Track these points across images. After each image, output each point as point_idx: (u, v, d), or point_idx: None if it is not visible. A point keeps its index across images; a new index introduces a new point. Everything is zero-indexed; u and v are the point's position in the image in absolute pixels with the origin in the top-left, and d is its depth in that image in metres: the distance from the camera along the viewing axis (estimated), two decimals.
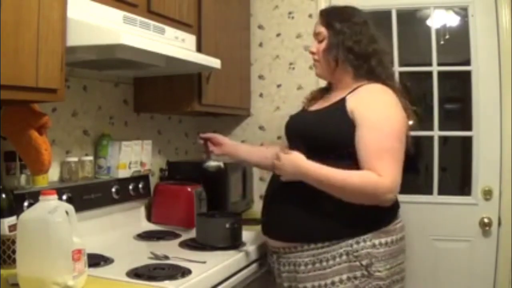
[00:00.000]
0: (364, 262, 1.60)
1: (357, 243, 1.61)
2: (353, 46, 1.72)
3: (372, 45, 1.74)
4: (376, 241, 1.62)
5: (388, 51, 1.81)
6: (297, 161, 1.64)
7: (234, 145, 2.13)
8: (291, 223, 1.69)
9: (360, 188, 1.58)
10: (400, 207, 1.75)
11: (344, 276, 1.61)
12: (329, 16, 1.80)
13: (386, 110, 1.66)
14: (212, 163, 2.05)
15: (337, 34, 1.74)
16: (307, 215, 1.64)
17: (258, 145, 2.35)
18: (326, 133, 1.67)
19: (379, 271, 1.61)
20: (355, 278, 1.60)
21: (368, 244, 1.61)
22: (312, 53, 1.83)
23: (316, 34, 1.81)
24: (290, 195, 1.70)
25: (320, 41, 1.79)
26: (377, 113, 1.64)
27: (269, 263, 1.87)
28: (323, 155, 1.64)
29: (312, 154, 1.66)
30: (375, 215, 1.62)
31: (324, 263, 1.64)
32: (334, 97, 1.76)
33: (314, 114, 1.80)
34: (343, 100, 1.70)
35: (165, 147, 2.64)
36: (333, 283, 1.62)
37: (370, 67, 1.73)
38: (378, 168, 1.57)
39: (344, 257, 1.61)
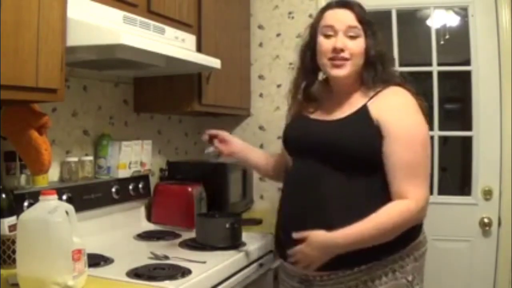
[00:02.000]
0: (409, 278, 1.51)
1: (401, 258, 1.50)
2: (376, 49, 1.58)
3: (383, 49, 1.61)
4: (416, 254, 1.54)
5: (391, 55, 1.69)
6: (321, 239, 1.47)
7: (244, 148, 1.92)
8: None
9: (393, 226, 1.46)
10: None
11: None
12: (361, 12, 1.58)
13: (413, 117, 1.54)
14: (211, 149, 1.89)
15: (371, 34, 1.57)
16: None
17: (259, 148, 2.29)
18: (351, 145, 1.50)
19: (417, 285, 1.53)
20: None
21: (411, 258, 1.52)
22: (342, 50, 1.54)
23: (350, 28, 1.54)
24: (321, 218, 1.51)
25: (353, 38, 1.55)
26: (405, 122, 1.51)
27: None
28: (344, 171, 1.50)
29: (329, 169, 1.51)
30: (410, 227, 1.51)
31: (370, 283, 1.49)
32: (346, 105, 1.59)
33: (331, 123, 1.59)
34: (364, 108, 1.54)
35: (165, 147, 2.64)
36: None
37: (380, 72, 1.58)
38: (407, 190, 1.46)
39: (390, 275, 1.49)
